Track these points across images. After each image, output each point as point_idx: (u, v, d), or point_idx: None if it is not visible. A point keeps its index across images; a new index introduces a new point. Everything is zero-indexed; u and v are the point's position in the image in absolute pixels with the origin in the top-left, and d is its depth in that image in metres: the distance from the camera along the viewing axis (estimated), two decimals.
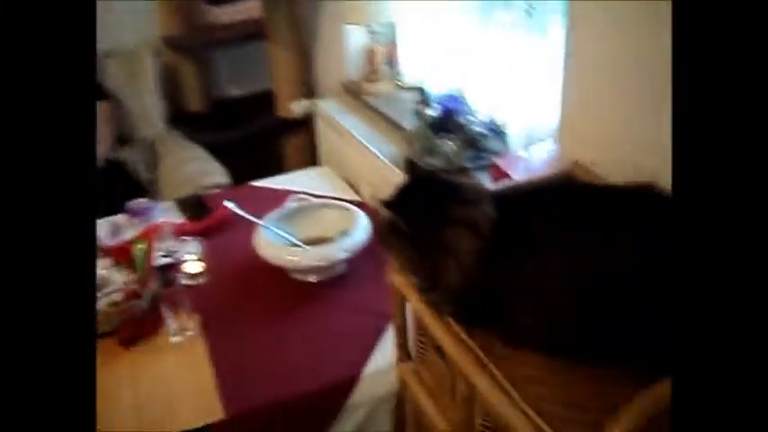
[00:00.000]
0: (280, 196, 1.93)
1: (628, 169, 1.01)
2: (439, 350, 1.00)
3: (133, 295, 1.52)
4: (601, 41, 1.16)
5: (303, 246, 1.63)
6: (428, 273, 0.91)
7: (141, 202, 1.96)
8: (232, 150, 2.75)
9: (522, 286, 0.85)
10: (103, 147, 2.60)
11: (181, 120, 2.97)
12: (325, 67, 2.73)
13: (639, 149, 1.10)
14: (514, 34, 1.64)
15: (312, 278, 1.63)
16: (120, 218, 1.94)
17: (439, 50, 2.07)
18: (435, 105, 1.79)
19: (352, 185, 2.15)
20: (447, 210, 0.88)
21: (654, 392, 0.62)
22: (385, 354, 1.36)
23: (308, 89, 2.81)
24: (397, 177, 0.97)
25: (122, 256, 1.64)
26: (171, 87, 2.98)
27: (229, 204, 1.74)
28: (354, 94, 2.37)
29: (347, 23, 2.32)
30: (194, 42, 3.06)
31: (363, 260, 1.62)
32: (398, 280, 1.05)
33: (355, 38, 2.38)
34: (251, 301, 1.61)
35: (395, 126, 2.00)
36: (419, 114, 1.80)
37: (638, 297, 0.78)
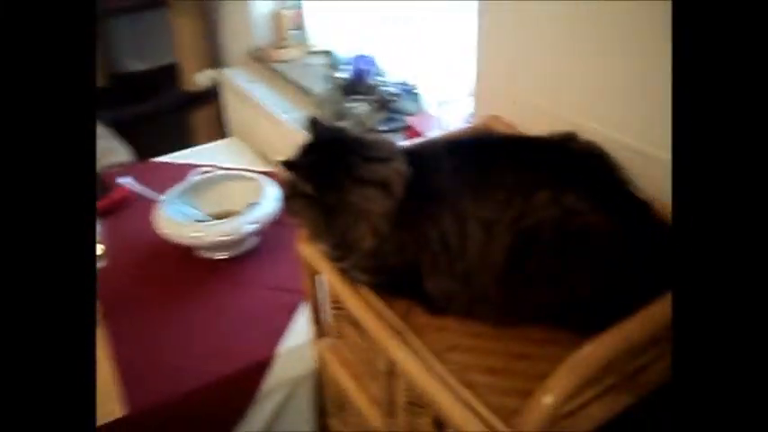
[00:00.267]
0: (184, 171, 1.79)
1: (545, 120, 0.97)
2: (356, 324, 0.93)
3: None
4: None
5: (209, 221, 1.51)
6: (338, 239, 0.83)
7: None
8: (137, 128, 2.59)
9: (440, 248, 0.78)
10: None
11: None
12: (231, 35, 2.61)
13: (557, 101, 1.05)
14: None
15: (220, 255, 1.52)
16: None
17: (348, 13, 1.98)
18: (345, 68, 1.71)
19: (263, 157, 2.05)
20: (355, 168, 0.80)
21: (585, 353, 0.56)
22: (301, 332, 1.28)
23: (215, 59, 2.67)
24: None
25: None
26: None
27: (126, 181, 1.60)
28: (262, 61, 2.28)
29: None
30: None
31: (276, 233, 1.52)
32: (307, 250, 0.96)
33: (261, 3, 2.29)
34: (155, 284, 1.48)
35: (305, 92, 1.93)
36: (329, 78, 1.72)
37: (560, 253, 0.72)
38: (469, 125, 1.14)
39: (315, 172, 0.80)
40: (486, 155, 0.81)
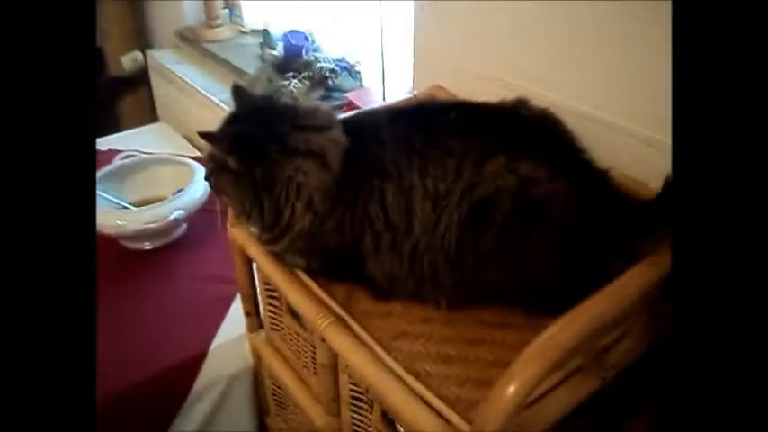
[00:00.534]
0: (107, 158, 1.66)
1: (492, 90, 0.91)
2: (294, 313, 0.84)
3: None
4: None
5: (132, 208, 1.39)
6: (269, 219, 0.74)
7: None
8: None
9: (384, 225, 0.70)
10: None
11: None
12: (159, 15, 2.49)
13: (503, 69, 1.00)
14: None
15: (147, 245, 1.41)
16: None
17: None
18: (279, 46, 1.62)
19: (192, 141, 1.93)
20: (285, 138, 0.71)
21: (551, 335, 0.49)
22: (237, 325, 1.18)
23: (142, 41, 2.54)
24: None
25: None
26: None
27: None
28: (192, 41, 2.17)
29: None
30: None
31: (206, 221, 1.41)
32: (237, 233, 0.86)
33: None
34: None
35: (238, 73, 1.84)
36: (262, 57, 1.62)
37: (519, 225, 0.66)
38: (412, 96, 1.07)
39: (240, 144, 0.71)
40: (431, 122, 0.74)
